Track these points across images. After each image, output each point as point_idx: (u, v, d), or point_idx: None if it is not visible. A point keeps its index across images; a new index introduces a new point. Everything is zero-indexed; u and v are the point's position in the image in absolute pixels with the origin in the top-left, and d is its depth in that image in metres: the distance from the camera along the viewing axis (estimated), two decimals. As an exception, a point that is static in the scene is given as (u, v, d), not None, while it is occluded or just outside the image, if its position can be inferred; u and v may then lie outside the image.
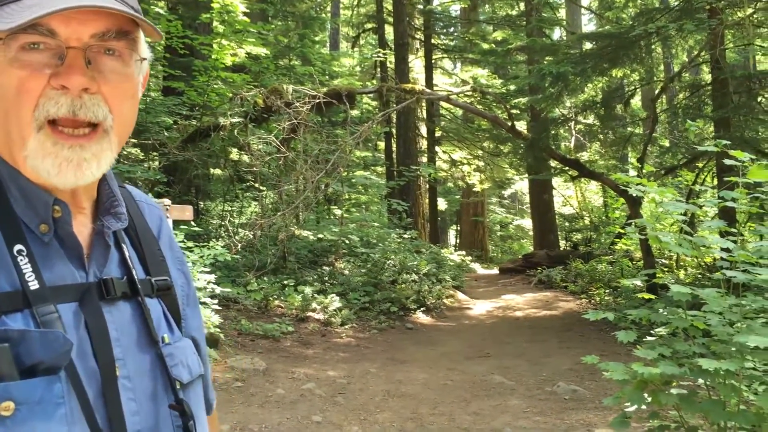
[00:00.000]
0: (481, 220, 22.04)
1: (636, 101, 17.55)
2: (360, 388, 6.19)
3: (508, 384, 6.42)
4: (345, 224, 12.11)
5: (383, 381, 6.47)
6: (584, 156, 16.17)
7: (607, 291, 11.15)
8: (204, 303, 6.61)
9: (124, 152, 9.74)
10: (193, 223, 7.79)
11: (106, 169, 0.85)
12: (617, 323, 3.84)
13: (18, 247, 0.80)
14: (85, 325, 0.82)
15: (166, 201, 6.69)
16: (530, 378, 6.65)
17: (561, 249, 16.91)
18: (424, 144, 18.86)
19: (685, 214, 3.44)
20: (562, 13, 20.36)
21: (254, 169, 10.42)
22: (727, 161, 3.22)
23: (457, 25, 21.02)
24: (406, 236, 12.41)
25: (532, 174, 15.18)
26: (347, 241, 11.29)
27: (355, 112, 13.00)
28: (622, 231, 12.80)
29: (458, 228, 25.19)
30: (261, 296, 8.70)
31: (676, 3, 9.45)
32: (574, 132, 16.52)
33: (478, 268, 18.38)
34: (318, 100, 9.68)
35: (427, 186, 18.56)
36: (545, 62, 10.89)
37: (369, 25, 20.80)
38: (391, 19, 17.30)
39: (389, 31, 18.34)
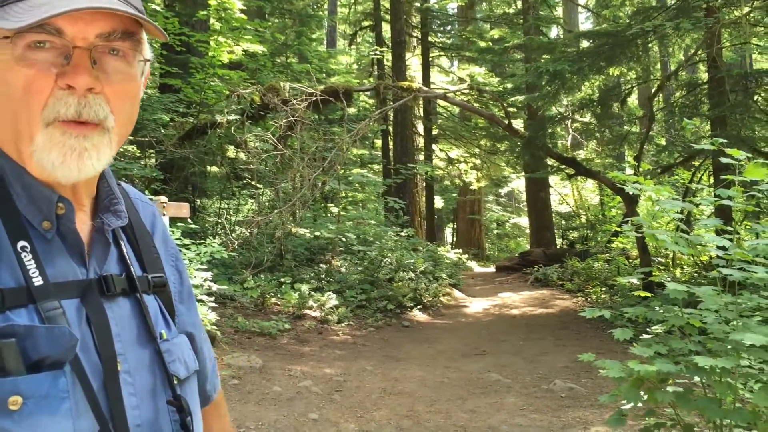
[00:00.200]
0: (478, 218, 22.06)
1: (633, 100, 17.58)
2: (356, 385, 6.20)
3: (505, 382, 6.43)
4: (342, 222, 12.10)
5: (380, 379, 6.47)
6: (581, 154, 16.20)
7: (603, 289, 11.17)
8: (200, 300, 6.61)
9: (121, 149, 9.71)
10: (189, 220, 7.78)
11: (105, 165, 0.86)
12: (613, 321, 3.85)
13: (21, 243, 0.80)
14: (87, 321, 0.83)
15: (163, 198, 6.68)
16: (526, 376, 6.67)
17: (557, 247, 16.94)
18: (421, 142, 18.86)
19: (681, 213, 3.45)
20: (559, 12, 20.37)
21: (251, 166, 10.42)
22: (724, 159, 3.22)
23: (454, 23, 21.04)
24: (402, 234, 12.41)
25: (529, 172, 15.19)
26: (344, 239, 11.29)
27: (352, 110, 12.98)
28: (618, 229, 12.83)
29: (455, 226, 25.20)
30: (258, 294, 8.70)
31: (673, 2, 9.46)
32: (570, 130, 16.55)
33: (475, 266, 18.40)
34: (315, 98, 9.67)
35: (424, 184, 18.56)
36: (542, 60, 10.89)
37: (366, 23, 20.78)
38: (388, 17, 17.30)
39: (386, 29, 18.33)
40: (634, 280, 3.47)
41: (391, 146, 16.79)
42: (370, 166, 18.37)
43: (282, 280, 9.31)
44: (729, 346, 2.87)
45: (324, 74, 15.96)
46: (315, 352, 7.45)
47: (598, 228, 17.25)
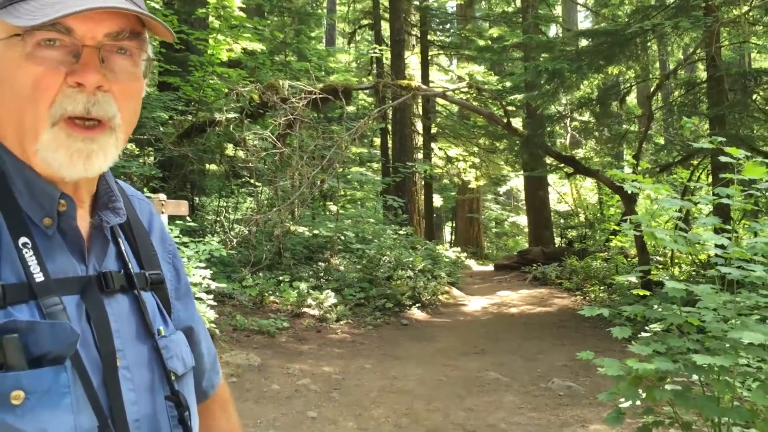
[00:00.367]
0: (477, 216, 22.07)
1: (631, 98, 17.58)
2: (355, 383, 6.20)
3: (503, 380, 6.44)
4: (340, 220, 12.10)
5: (378, 377, 6.47)
6: (580, 153, 16.21)
7: (601, 288, 11.18)
8: (199, 298, 6.60)
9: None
10: (188, 218, 7.77)
11: (111, 164, 0.87)
12: (612, 320, 3.85)
13: (23, 240, 0.81)
14: (87, 317, 0.84)
15: (162, 196, 6.67)
16: (525, 374, 6.67)
17: (556, 246, 16.94)
18: (420, 140, 18.85)
19: (680, 211, 3.45)
20: (558, 10, 20.37)
21: (250, 164, 10.41)
22: (723, 158, 3.23)
23: (454, 22, 21.03)
24: (401, 232, 12.41)
25: (528, 171, 15.18)
26: (343, 237, 11.29)
27: (351, 108, 12.97)
28: (617, 228, 12.83)
29: (454, 224, 25.21)
30: (256, 292, 8.70)
31: (672, 0, 9.46)
32: (569, 129, 16.55)
33: (474, 265, 18.41)
34: (314, 96, 9.67)
35: (423, 182, 18.57)
36: (541, 59, 10.89)
37: (365, 22, 20.77)
38: (387, 16, 17.29)
39: (385, 28, 18.32)
40: (633, 279, 3.48)
41: (390, 145, 16.79)
42: (369, 164, 18.36)
43: (281, 278, 9.31)
44: (727, 345, 2.87)
45: (323, 72, 15.95)
46: (313, 350, 7.45)
47: (597, 227, 17.25)
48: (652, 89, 12.28)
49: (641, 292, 3.63)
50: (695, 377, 3.06)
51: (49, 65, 0.80)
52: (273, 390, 5.76)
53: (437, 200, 22.99)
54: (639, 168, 8.13)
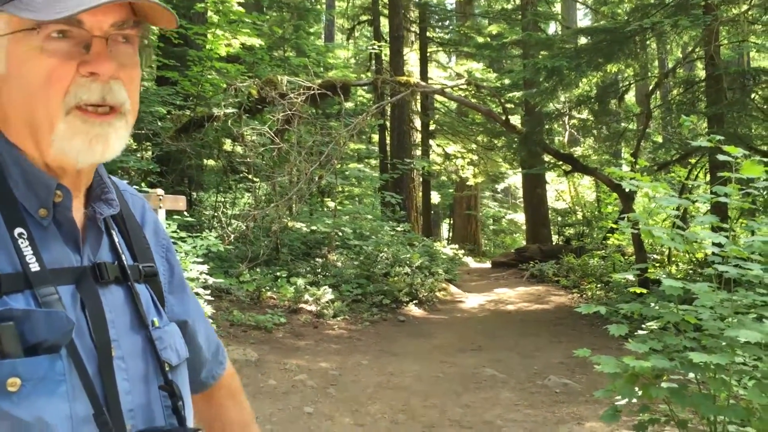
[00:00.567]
0: (474, 213, 22.06)
1: (630, 97, 17.57)
2: (352, 379, 6.20)
3: (500, 377, 6.44)
4: (338, 216, 12.10)
5: (375, 373, 6.48)
6: (578, 151, 16.20)
7: (598, 285, 11.19)
8: (196, 294, 6.60)
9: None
10: (186, 213, 7.76)
11: (124, 146, 0.89)
12: (609, 317, 3.86)
13: (18, 230, 0.82)
14: (81, 307, 0.84)
15: (159, 191, 6.66)
16: (521, 371, 6.68)
17: (553, 243, 16.96)
18: (418, 137, 18.84)
19: (677, 209, 3.45)
20: (557, 8, 20.35)
21: (248, 160, 10.40)
22: (721, 157, 3.23)
23: (453, 19, 20.98)
24: (399, 229, 12.41)
25: (526, 168, 15.20)
26: (340, 234, 11.29)
27: (349, 104, 12.97)
28: (614, 226, 12.85)
29: (451, 221, 25.20)
30: (253, 287, 8.69)
31: (672, -1, 9.45)
32: (568, 127, 16.54)
33: (471, 262, 18.42)
34: (312, 92, 9.66)
35: (421, 179, 18.56)
36: (540, 56, 10.89)
37: (364, 17, 20.73)
38: (386, 12, 17.26)
39: (384, 24, 18.28)
40: (630, 277, 3.48)
41: (388, 141, 16.77)
42: (367, 160, 18.35)
43: (278, 273, 9.31)
44: (724, 343, 2.87)
45: (322, 68, 15.91)
46: (310, 346, 7.45)
47: (594, 224, 17.27)
48: (650, 87, 12.27)
49: (638, 290, 3.64)
50: (691, 375, 3.06)
51: (61, 57, 0.82)
52: (270, 385, 5.76)
53: (435, 197, 22.98)
54: (637, 166, 8.13)
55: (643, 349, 3.00)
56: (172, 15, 0.88)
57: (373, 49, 16.29)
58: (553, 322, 9.34)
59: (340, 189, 14.61)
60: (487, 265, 17.73)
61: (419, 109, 18.54)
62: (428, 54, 19.54)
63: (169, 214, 7.09)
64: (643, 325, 3.70)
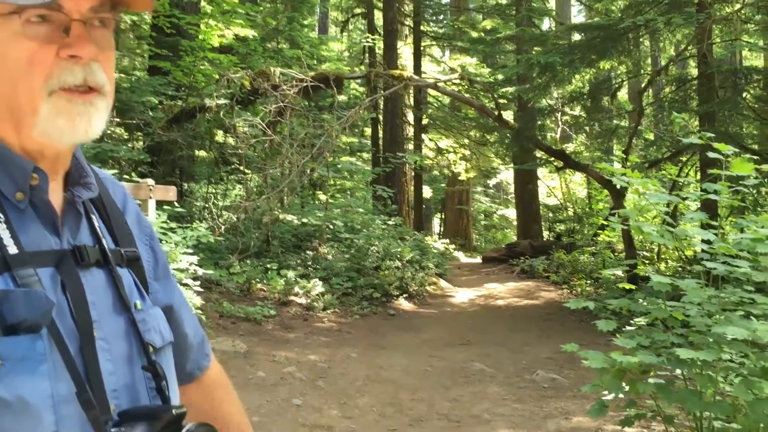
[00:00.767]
0: (466, 208, 22.08)
1: (623, 94, 17.63)
2: (341, 372, 6.21)
3: (488, 371, 6.46)
4: (329, 209, 12.08)
5: (364, 366, 6.49)
6: (570, 147, 16.22)
7: (588, 282, 11.22)
8: (186, 285, 6.58)
9: (109, 131, 9.65)
10: (176, 204, 7.74)
11: (102, 129, 0.89)
12: (597, 313, 3.87)
13: None
14: (62, 289, 0.84)
15: (150, 181, 6.64)
16: (510, 366, 6.70)
17: (544, 239, 16.99)
18: (410, 131, 18.81)
19: (667, 206, 3.46)
20: (551, 4, 20.35)
21: (239, 151, 10.37)
22: (711, 154, 3.24)
23: (447, 13, 20.96)
24: (390, 223, 12.41)
25: (518, 164, 15.20)
26: (331, 226, 11.27)
27: (342, 98, 12.93)
28: (605, 222, 12.89)
29: (443, 216, 25.22)
30: (243, 279, 8.68)
31: (666, -4, 9.46)
32: (560, 123, 16.56)
33: (462, 257, 18.43)
34: (305, 84, 9.63)
35: (413, 173, 18.54)
36: (534, 52, 10.89)
37: (358, 10, 20.68)
38: (380, 5, 17.20)
39: (378, 17, 18.25)
40: (619, 273, 3.50)
41: (380, 135, 16.75)
42: (359, 154, 18.32)
43: (268, 266, 9.29)
44: (711, 339, 2.89)
45: (315, 61, 15.87)
46: (300, 338, 7.45)
47: (585, 221, 17.31)
48: (643, 85, 12.29)
49: (627, 286, 3.65)
50: (678, 371, 3.08)
51: (41, 41, 0.82)
52: (258, 377, 5.76)
53: (427, 191, 22.97)
54: (628, 163, 8.16)
55: (630, 344, 3.01)
56: None
57: (367, 42, 16.27)
58: (543, 318, 9.38)
59: (332, 182, 14.59)
60: (478, 260, 17.76)
61: (412, 103, 18.51)
62: (422, 48, 19.50)
63: (160, 204, 7.06)
64: (632, 321, 3.72)
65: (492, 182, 27.47)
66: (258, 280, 8.90)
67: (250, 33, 10.86)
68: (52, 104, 0.83)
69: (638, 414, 3.24)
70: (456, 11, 20.16)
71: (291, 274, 9.12)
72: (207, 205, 10.55)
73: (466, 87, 15.26)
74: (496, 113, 11.06)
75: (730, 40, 10.10)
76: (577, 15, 24.84)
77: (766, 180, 3.45)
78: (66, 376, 0.79)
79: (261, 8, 14.39)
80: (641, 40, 10.18)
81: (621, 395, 3.10)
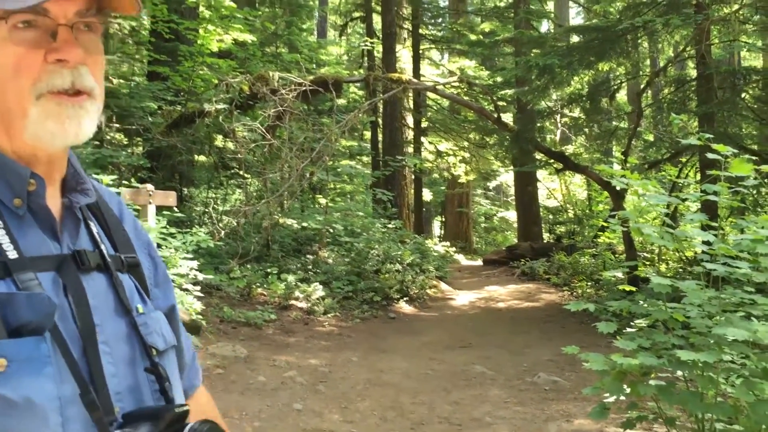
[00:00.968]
0: (466, 211, 22.07)
1: (622, 95, 17.63)
2: (341, 376, 6.20)
3: (489, 374, 6.45)
4: (329, 213, 12.08)
5: (365, 370, 6.47)
6: (569, 149, 16.24)
7: (589, 283, 11.21)
8: (186, 290, 6.58)
9: (108, 137, 9.66)
10: (176, 209, 7.74)
11: (93, 132, 0.90)
12: (598, 315, 3.86)
13: None
14: (64, 292, 0.85)
15: (150, 186, 6.65)
16: (511, 368, 6.69)
17: (544, 241, 16.98)
18: (410, 134, 18.83)
19: (667, 207, 3.46)
20: (550, 6, 20.37)
21: (239, 156, 10.37)
22: (710, 155, 3.23)
23: (446, 16, 20.98)
24: (390, 226, 12.41)
25: (518, 166, 15.20)
26: (331, 230, 11.27)
27: (341, 101, 12.94)
28: (605, 224, 12.89)
29: (443, 219, 25.21)
30: (244, 284, 8.67)
31: (663, -3, 9.47)
32: (559, 125, 16.58)
33: (462, 259, 18.43)
34: (304, 88, 9.63)
35: (413, 176, 18.55)
36: (532, 54, 10.90)
37: (357, 14, 20.70)
38: (379, 8, 17.24)
39: (377, 20, 18.27)
40: (619, 274, 3.49)
41: (380, 138, 16.75)
42: (358, 157, 18.34)
43: (268, 270, 9.29)
44: (711, 341, 2.88)
45: (314, 65, 15.89)
46: (300, 342, 7.44)
47: (585, 223, 17.31)
48: (642, 86, 12.29)
49: (628, 288, 3.64)
50: (679, 373, 3.07)
51: (28, 45, 0.84)
52: (259, 382, 5.75)
53: (427, 194, 22.98)
54: (628, 164, 8.16)
55: (631, 346, 3.01)
56: (134, 0, 0.89)
57: (366, 45, 16.28)
58: (543, 320, 9.36)
59: (332, 186, 14.59)
60: (479, 262, 17.75)
61: (411, 107, 18.53)
62: (421, 51, 19.53)
63: (160, 209, 7.07)
64: (632, 323, 3.71)
65: (492, 184, 27.47)
66: (258, 284, 8.90)
67: (248, 37, 10.88)
68: (41, 107, 0.84)
69: (640, 416, 3.23)
70: (454, 14, 20.17)
71: (291, 278, 9.12)
72: (207, 210, 10.54)
73: (465, 90, 15.28)
74: (496, 116, 11.06)
75: (729, 40, 10.11)
76: (576, 17, 24.87)
77: (765, 180, 3.45)
78: (70, 378, 0.79)
79: (259, 13, 14.40)
80: (640, 41, 10.19)
81: (622, 397, 3.09)
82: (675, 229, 3.26)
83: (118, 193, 5.87)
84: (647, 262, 10.92)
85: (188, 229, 7.60)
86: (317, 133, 10.19)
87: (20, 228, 0.85)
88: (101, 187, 1.07)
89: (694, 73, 11.01)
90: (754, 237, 2.99)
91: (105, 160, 8.49)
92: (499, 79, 15.63)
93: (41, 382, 0.77)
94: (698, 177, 9.80)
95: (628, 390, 3.04)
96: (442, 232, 24.44)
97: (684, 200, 3.45)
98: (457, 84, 14.78)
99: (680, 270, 9.87)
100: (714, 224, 3.66)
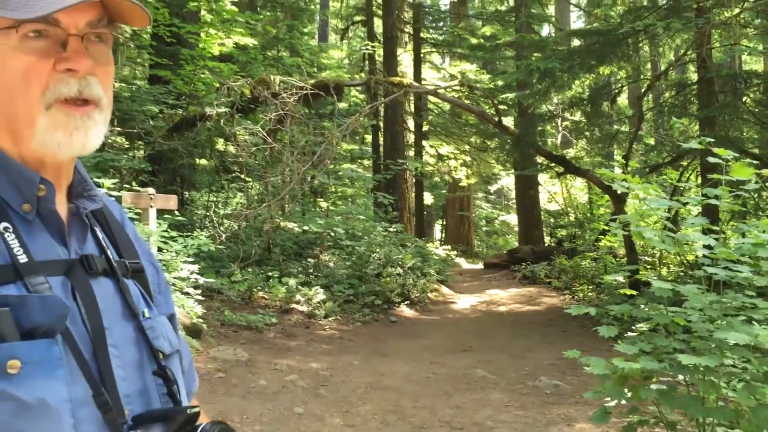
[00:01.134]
0: (467, 214, 22.07)
1: (623, 99, 17.64)
2: (342, 380, 6.19)
3: (490, 378, 6.44)
4: (331, 217, 12.08)
5: (366, 374, 6.47)
6: (570, 153, 16.24)
7: (590, 287, 11.20)
8: (187, 293, 6.58)
9: (110, 140, 9.67)
10: (177, 212, 7.74)
11: (100, 143, 0.91)
12: (599, 319, 3.86)
13: (4, 224, 0.84)
14: (73, 296, 0.86)
15: (151, 190, 6.65)
16: (512, 372, 6.68)
17: (546, 245, 16.97)
18: (411, 138, 18.83)
19: (668, 211, 3.46)
20: (551, 10, 20.38)
21: (240, 159, 10.37)
22: (711, 159, 3.23)
23: (447, 20, 21.01)
24: (391, 230, 12.41)
25: (519, 170, 15.20)
26: (332, 234, 11.27)
27: (342, 105, 12.95)
28: (606, 228, 12.87)
29: (444, 222, 25.21)
30: (245, 287, 8.67)
31: (664, 1, 9.49)
32: (560, 128, 16.58)
33: (463, 263, 18.42)
34: (305, 92, 9.64)
35: (414, 180, 18.55)
36: (533, 58, 10.90)
37: (358, 18, 20.74)
38: (380, 12, 17.25)
39: (378, 24, 18.29)
40: (621, 278, 3.49)
41: (381, 142, 16.76)
42: (360, 161, 18.35)
43: (270, 273, 9.29)
44: (713, 345, 2.88)
45: (315, 68, 15.90)
46: (301, 346, 7.44)
47: (587, 226, 17.29)
48: (643, 90, 12.31)
49: (629, 292, 3.64)
50: (681, 377, 3.07)
51: (38, 55, 0.85)
52: (260, 385, 5.75)
53: (428, 198, 22.98)
54: (629, 168, 8.16)
55: (632, 350, 3.00)
56: (144, 13, 0.90)
57: (367, 49, 16.30)
58: (545, 324, 9.35)
59: (333, 189, 14.60)
60: (480, 266, 17.74)
61: (412, 110, 18.53)
62: (422, 55, 19.54)
63: (161, 213, 7.07)
64: (633, 327, 3.71)
65: (493, 188, 27.46)
66: (259, 288, 8.90)
67: (250, 41, 10.88)
68: (50, 117, 0.85)
69: (641, 420, 3.22)
70: (455, 18, 20.20)
71: (292, 281, 9.11)
72: (208, 214, 10.55)
73: (466, 93, 15.30)
74: (497, 119, 11.07)
75: (730, 44, 10.11)
76: (577, 21, 24.88)
77: (766, 184, 3.45)
78: (82, 379, 0.80)
79: (261, 17, 14.42)
80: (640, 45, 10.18)
81: (623, 401, 3.09)
82: (676, 233, 3.26)
83: (119, 199, 5.89)
84: (648, 266, 10.91)
85: (189, 233, 7.60)
86: (318, 136, 10.19)
87: (30, 232, 0.86)
88: (104, 195, 1.08)
89: (695, 77, 11.01)
90: (756, 241, 2.99)
91: (106, 164, 8.50)
92: (500, 82, 15.66)
93: (54, 384, 0.78)
94: (699, 181, 9.80)
95: (630, 394, 3.04)
96: (443, 235, 24.44)
97: (685, 204, 3.45)
98: (458, 88, 14.81)
99: (681, 274, 9.86)
100: (715, 228, 3.66)
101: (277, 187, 9.80)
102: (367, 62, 18.08)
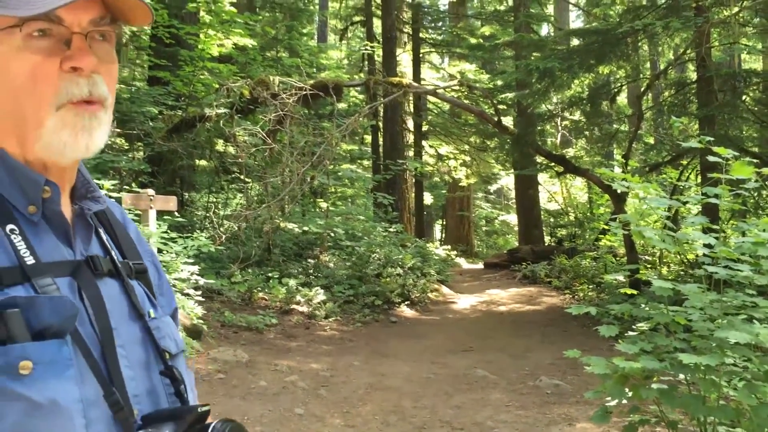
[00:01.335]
0: (467, 214, 22.07)
1: (622, 98, 17.63)
2: (343, 381, 6.19)
3: (491, 378, 6.44)
4: (330, 217, 12.08)
5: (366, 374, 6.47)
6: (570, 152, 16.24)
7: (590, 287, 11.20)
8: (187, 294, 6.58)
9: (109, 142, 9.65)
10: (177, 213, 7.74)
11: (104, 143, 0.91)
12: (600, 318, 3.86)
13: (10, 226, 0.83)
14: (80, 297, 0.86)
15: (150, 191, 6.65)
16: (513, 372, 6.68)
17: (546, 244, 16.97)
18: (410, 138, 18.83)
19: (668, 210, 3.46)
20: (550, 9, 20.37)
21: (240, 160, 10.37)
22: (711, 158, 3.23)
23: (446, 20, 21.01)
24: (391, 230, 12.40)
25: (518, 169, 15.21)
26: (332, 234, 11.27)
27: (342, 105, 12.96)
28: (606, 227, 12.87)
29: (444, 222, 25.21)
30: (245, 288, 8.67)
31: (663, 0, 9.48)
32: (560, 128, 16.58)
33: (463, 263, 18.42)
34: (305, 92, 9.63)
35: (414, 180, 18.55)
36: (532, 58, 10.90)
37: (357, 18, 20.74)
38: (379, 12, 17.25)
39: (377, 25, 18.29)
40: (621, 278, 3.49)
41: (380, 142, 16.76)
42: (359, 161, 18.34)
43: (270, 274, 9.29)
44: (713, 344, 2.88)
45: (314, 69, 15.90)
46: (302, 347, 7.43)
47: (587, 226, 17.30)
48: (642, 89, 12.31)
49: (629, 291, 3.64)
50: (681, 376, 3.07)
51: (44, 54, 0.84)
52: (260, 386, 5.74)
53: (428, 198, 22.98)
54: (628, 167, 8.15)
55: (633, 350, 3.00)
56: (146, 10, 0.90)
57: (366, 49, 16.29)
58: (545, 323, 9.35)
59: (333, 190, 14.60)
60: (480, 266, 17.73)
61: (412, 110, 18.53)
62: (421, 55, 19.54)
63: (160, 214, 7.07)
64: (634, 326, 3.71)
65: (493, 188, 27.46)
66: (259, 288, 8.89)
67: (249, 42, 10.88)
68: (60, 118, 0.85)
69: (642, 420, 3.22)
70: (454, 18, 20.20)
71: (292, 282, 9.11)
72: (208, 215, 10.54)
73: (466, 93, 15.29)
74: (496, 119, 11.06)
75: (729, 43, 10.12)
76: (576, 20, 24.88)
77: (766, 183, 3.45)
78: (92, 380, 0.80)
79: (260, 17, 14.42)
80: (640, 44, 10.20)
81: (624, 401, 3.09)
82: (676, 232, 3.26)
83: (119, 200, 5.88)
84: (648, 265, 10.91)
85: (189, 234, 7.59)
86: (318, 137, 10.19)
87: (35, 234, 0.86)
88: (105, 197, 1.08)
89: (694, 76, 11.01)
90: (756, 240, 2.99)
91: (106, 165, 8.49)
92: (499, 82, 15.65)
93: (65, 385, 0.78)
94: (699, 180, 9.80)
95: (630, 393, 3.04)
96: (443, 235, 24.44)
97: (685, 203, 3.44)
98: (457, 87, 14.80)
99: (681, 273, 9.86)
100: (715, 227, 3.66)
101: (276, 188, 9.80)
102: (366, 62, 18.07)
